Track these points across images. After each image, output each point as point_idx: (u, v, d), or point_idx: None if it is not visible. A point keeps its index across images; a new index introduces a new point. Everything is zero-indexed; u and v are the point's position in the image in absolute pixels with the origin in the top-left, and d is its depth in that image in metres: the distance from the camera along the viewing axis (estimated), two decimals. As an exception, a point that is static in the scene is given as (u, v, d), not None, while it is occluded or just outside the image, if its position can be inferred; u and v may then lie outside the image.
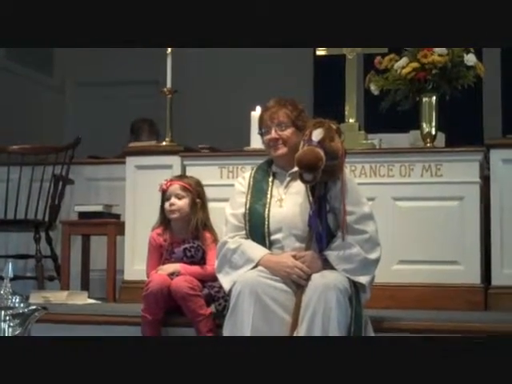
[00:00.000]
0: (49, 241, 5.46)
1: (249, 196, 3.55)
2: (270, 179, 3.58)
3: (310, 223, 3.40)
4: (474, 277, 4.37)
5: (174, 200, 3.92)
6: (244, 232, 3.53)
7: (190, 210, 3.93)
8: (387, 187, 4.48)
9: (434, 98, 4.63)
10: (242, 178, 3.68)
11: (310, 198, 3.42)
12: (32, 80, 8.06)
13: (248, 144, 4.79)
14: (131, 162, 4.91)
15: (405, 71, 4.59)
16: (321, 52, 4.93)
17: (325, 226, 3.40)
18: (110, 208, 5.27)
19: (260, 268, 3.40)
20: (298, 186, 3.48)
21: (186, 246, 3.92)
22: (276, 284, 3.35)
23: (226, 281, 3.48)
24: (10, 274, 2.34)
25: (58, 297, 4.60)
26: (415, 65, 4.57)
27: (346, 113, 4.78)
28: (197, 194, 3.97)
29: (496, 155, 4.44)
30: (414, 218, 4.43)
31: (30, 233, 5.39)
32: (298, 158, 3.30)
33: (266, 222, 3.47)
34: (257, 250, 3.45)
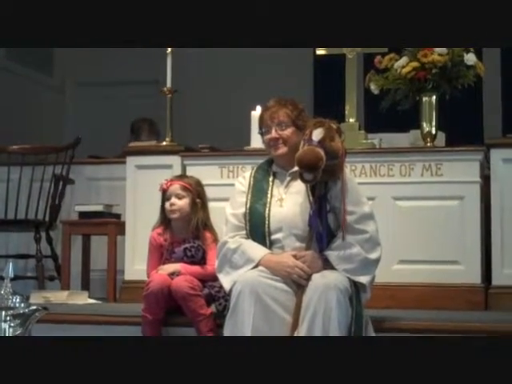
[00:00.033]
0: (49, 241, 5.46)
1: (249, 196, 3.55)
2: (271, 179, 3.58)
3: (310, 223, 3.40)
4: (474, 277, 4.37)
5: (174, 200, 3.92)
6: (244, 232, 3.53)
7: (191, 209, 3.93)
8: (387, 187, 4.48)
9: (434, 97, 4.63)
10: (243, 177, 3.68)
11: (311, 198, 3.42)
12: (32, 80, 8.06)
13: (248, 144, 4.79)
14: (131, 161, 4.92)
15: (405, 70, 4.59)
16: (321, 52, 4.94)
17: (325, 226, 3.39)
18: (111, 208, 5.27)
19: (260, 268, 3.40)
20: (299, 186, 3.48)
21: (187, 245, 3.92)
22: (276, 284, 3.35)
23: (226, 281, 3.48)
24: (11, 274, 2.34)
25: (58, 297, 4.60)
26: (415, 64, 4.57)
27: (346, 112, 4.78)
28: (197, 193, 3.97)
29: (496, 155, 4.44)
30: (414, 217, 4.43)
31: (30, 233, 5.40)
32: (299, 158, 3.30)
33: (267, 222, 3.47)
34: (257, 250, 3.45)
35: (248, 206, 3.53)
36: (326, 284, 3.27)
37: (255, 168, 3.67)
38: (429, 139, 4.60)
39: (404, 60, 4.62)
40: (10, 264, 2.36)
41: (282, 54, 6.95)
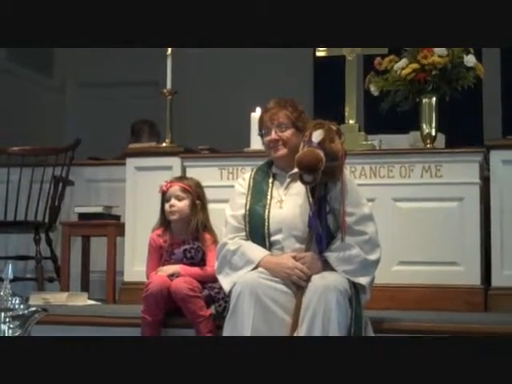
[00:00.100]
0: (49, 242, 5.46)
1: (249, 197, 3.55)
2: (270, 180, 3.58)
3: (309, 224, 3.40)
4: (473, 278, 4.36)
5: (173, 201, 3.92)
6: (244, 233, 3.52)
7: (190, 211, 3.93)
8: (387, 188, 4.48)
9: (434, 98, 4.63)
10: (242, 179, 3.68)
11: (310, 199, 3.42)
12: (32, 81, 8.06)
13: (248, 145, 4.79)
14: (131, 163, 4.92)
15: (405, 72, 4.59)
16: (320, 53, 4.93)
17: (325, 227, 3.39)
18: (110, 209, 5.27)
19: (260, 269, 3.40)
20: (298, 187, 3.47)
21: (186, 247, 3.92)
22: (276, 285, 3.35)
23: (226, 282, 3.48)
24: (10, 275, 2.33)
25: (57, 298, 4.59)
26: (415, 66, 4.57)
27: (346, 114, 4.78)
28: (197, 195, 3.97)
29: (496, 156, 4.44)
30: (413, 218, 4.43)
31: (29, 234, 5.39)
32: (298, 159, 3.29)
33: (266, 223, 3.47)
34: (257, 251, 3.45)
35: (248, 207, 3.53)
36: (326, 285, 3.26)
37: (255, 169, 3.67)
38: (428, 141, 4.60)
39: (404, 62, 4.62)
40: (10, 265, 2.36)
41: (282, 54, 6.95)
